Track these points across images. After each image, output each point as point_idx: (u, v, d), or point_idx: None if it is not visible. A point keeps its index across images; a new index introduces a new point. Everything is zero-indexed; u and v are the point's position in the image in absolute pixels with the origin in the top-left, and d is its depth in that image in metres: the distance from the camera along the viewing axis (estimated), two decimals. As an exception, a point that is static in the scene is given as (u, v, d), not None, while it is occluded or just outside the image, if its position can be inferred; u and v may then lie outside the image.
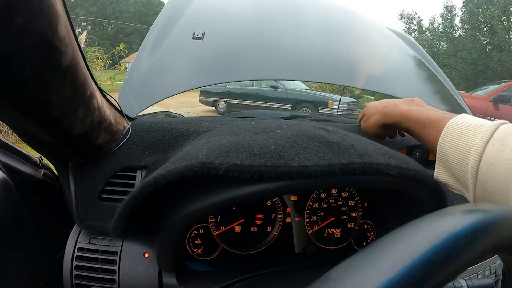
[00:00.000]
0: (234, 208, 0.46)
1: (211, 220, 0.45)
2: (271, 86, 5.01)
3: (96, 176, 0.43)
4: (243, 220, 0.46)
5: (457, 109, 0.73)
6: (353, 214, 0.51)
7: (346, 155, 0.33)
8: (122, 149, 0.45)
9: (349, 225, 0.51)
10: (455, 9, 11.68)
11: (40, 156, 0.56)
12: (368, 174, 0.33)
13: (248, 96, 5.20)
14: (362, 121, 0.55)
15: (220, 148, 0.32)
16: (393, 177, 0.33)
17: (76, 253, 0.41)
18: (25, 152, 0.52)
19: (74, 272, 0.41)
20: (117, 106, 0.48)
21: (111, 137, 0.45)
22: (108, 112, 0.43)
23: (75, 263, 0.41)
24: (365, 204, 0.51)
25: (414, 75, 0.75)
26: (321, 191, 0.49)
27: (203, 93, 5.61)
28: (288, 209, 0.48)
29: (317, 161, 0.32)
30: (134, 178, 0.44)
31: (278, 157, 0.31)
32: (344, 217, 0.51)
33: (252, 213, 0.46)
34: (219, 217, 0.45)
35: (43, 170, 0.54)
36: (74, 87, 0.32)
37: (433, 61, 0.75)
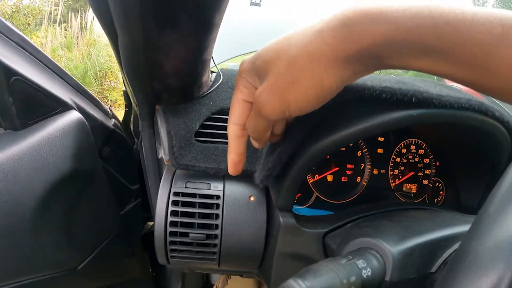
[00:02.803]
0: (328, 157, 0.44)
1: (307, 168, 0.43)
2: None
3: (191, 115, 0.39)
4: (337, 168, 0.44)
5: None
6: (427, 172, 0.51)
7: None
8: (216, 92, 0.42)
9: (424, 181, 0.51)
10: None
11: (110, 106, 0.51)
12: (482, 113, 0.33)
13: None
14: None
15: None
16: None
17: (172, 198, 0.35)
18: (97, 98, 0.47)
19: (169, 219, 0.34)
20: None
21: (206, 80, 0.41)
22: None
23: (170, 208, 0.35)
24: (437, 163, 0.52)
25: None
26: (402, 146, 0.49)
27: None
28: (375, 161, 0.47)
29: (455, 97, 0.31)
30: None
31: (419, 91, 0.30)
32: (420, 173, 0.51)
33: (344, 163, 0.45)
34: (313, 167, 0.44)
35: (113, 120, 0.50)
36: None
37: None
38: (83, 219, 0.42)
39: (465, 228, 0.28)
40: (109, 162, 0.48)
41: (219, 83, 0.43)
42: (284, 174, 0.33)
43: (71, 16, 3.09)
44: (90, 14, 3.04)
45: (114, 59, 2.95)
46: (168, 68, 0.31)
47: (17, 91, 0.34)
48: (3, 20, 0.33)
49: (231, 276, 0.75)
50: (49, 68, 0.38)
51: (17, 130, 0.37)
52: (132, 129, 0.57)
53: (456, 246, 0.26)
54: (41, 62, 0.37)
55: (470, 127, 0.35)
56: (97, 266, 0.47)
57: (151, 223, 0.67)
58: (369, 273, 0.23)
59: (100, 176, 0.44)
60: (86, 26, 3.01)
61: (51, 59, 0.39)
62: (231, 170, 0.31)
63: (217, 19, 0.27)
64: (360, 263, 0.23)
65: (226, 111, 0.41)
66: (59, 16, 3.38)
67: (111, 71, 2.93)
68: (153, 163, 0.44)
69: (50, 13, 3.57)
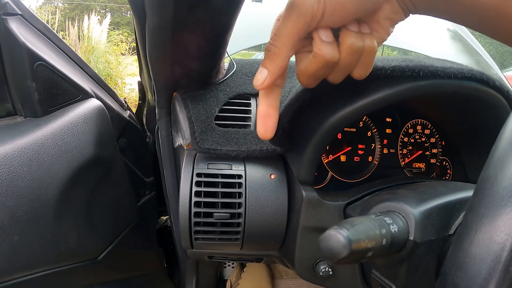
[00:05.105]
0: (340, 137, 0.45)
1: (321, 148, 0.43)
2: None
3: (209, 101, 0.40)
4: (349, 148, 0.45)
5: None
6: (434, 151, 0.52)
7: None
8: (232, 79, 0.43)
9: (432, 160, 0.52)
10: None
11: (125, 98, 0.51)
12: (484, 83, 0.34)
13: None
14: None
15: None
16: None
17: (195, 179, 0.35)
18: (113, 89, 0.47)
19: (193, 199, 0.34)
20: None
21: (222, 66, 0.42)
22: None
23: (194, 189, 0.34)
24: (443, 143, 0.53)
25: (451, 44, 0.79)
26: (409, 126, 0.50)
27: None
28: (385, 140, 0.48)
29: (457, 68, 0.32)
30: (249, 105, 0.41)
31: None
32: (427, 152, 0.52)
33: (355, 143, 0.46)
34: (327, 146, 0.44)
35: (128, 112, 0.50)
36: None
37: (470, 34, 0.79)
38: (103, 207, 0.42)
39: None
40: (125, 153, 0.48)
41: (233, 70, 0.44)
42: (304, 148, 0.34)
43: (68, 25, 3.09)
44: (87, 22, 3.05)
45: (112, 65, 2.96)
46: (193, 49, 0.31)
47: (40, 77, 0.34)
48: (27, 7, 0.34)
49: (244, 269, 0.75)
50: (69, 56, 0.39)
51: (37, 117, 0.37)
52: (145, 123, 0.57)
53: None
54: (62, 50, 0.38)
55: (471, 99, 0.36)
56: (117, 256, 0.46)
57: (164, 218, 0.67)
58: (396, 229, 0.24)
59: (119, 165, 0.44)
60: (83, 34, 3.01)
61: (71, 48, 0.39)
62: (259, 126, 0.27)
63: None
64: (387, 219, 0.24)
65: (242, 96, 0.42)
66: (56, 25, 3.37)
67: (110, 77, 2.92)
68: (169, 152, 0.44)
69: (47, 22, 3.56)
